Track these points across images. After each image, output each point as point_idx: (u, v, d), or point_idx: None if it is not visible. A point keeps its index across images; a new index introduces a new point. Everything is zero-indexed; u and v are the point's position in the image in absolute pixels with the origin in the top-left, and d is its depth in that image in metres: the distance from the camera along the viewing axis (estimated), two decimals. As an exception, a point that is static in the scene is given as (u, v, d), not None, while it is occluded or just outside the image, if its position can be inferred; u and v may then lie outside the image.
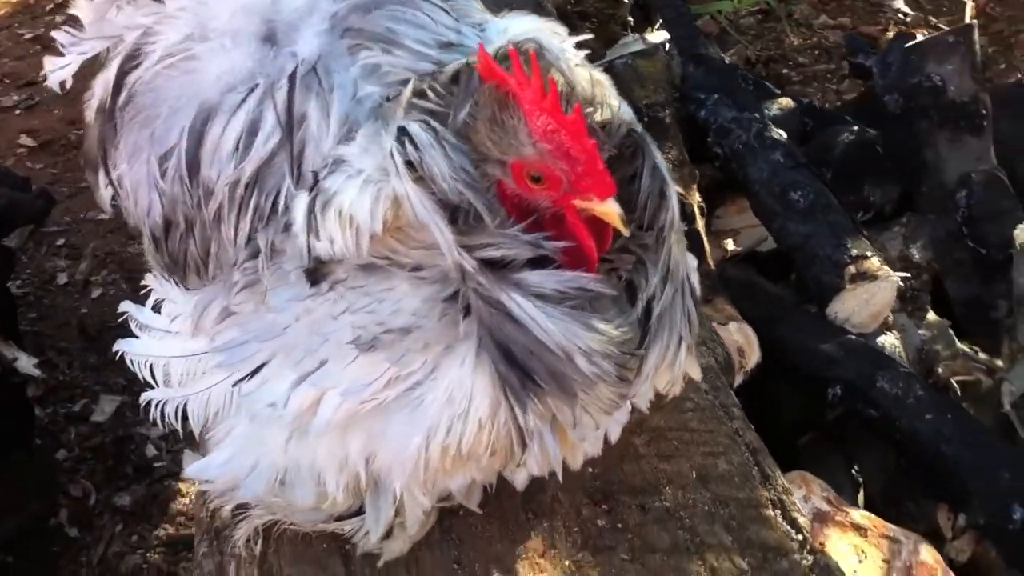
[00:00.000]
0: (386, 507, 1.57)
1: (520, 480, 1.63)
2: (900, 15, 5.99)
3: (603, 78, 1.39)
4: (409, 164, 1.22)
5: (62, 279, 4.09)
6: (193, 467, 1.61)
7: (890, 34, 5.74)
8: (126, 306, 1.68)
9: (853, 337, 2.88)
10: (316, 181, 1.30)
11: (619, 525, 1.76)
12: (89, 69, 1.58)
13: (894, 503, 2.80)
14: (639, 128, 1.40)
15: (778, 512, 1.82)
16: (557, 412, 1.31)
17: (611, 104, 1.37)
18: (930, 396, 2.74)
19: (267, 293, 1.37)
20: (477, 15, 1.51)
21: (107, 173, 1.54)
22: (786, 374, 2.87)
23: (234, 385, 1.46)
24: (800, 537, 1.79)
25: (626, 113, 1.40)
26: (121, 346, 1.65)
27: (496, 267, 1.23)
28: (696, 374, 1.52)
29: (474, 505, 1.71)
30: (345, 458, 1.45)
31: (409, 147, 1.23)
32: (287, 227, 1.32)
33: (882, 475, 2.88)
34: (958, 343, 3.21)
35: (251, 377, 1.42)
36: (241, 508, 1.66)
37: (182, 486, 3.36)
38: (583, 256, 1.27)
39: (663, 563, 1.70)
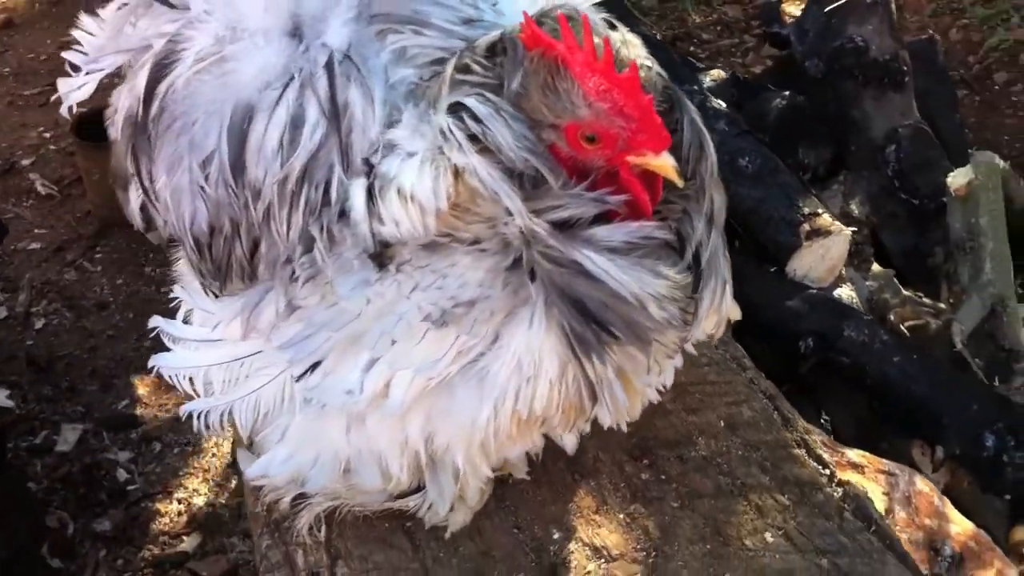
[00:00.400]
0: (448, 482, 1.61)
1: (570, 444, 1.70)
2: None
3: (633, 38, 1.43)
4: (471, 137, 1.26)
5: (1, 313, 4.01)
6: (254, 468, 1.63)
7: (787, 6, 5.94)
8: (156, 321, 1.69)
9: (815, 291, 3.00)
10: (370, 167, 1.33)
11: (662, 476, 1.83)
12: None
13: (869, 446, 2.93)
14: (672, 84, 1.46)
15: (803, 451, 1.91)
16: (630, 361, 1.37)
17: (645, 63, 1.42)
18: (894, 340, 2.88)
19: (332, 283, 1.39)
20: None
21: (141, 186, 1.50)
22: (758, 332, 2.98)
23: (297, 380, 1.48)
24: (828, 472, 1.88)
25: (659, 71, 1.46)
26: (157, 361, 1.67)
27: (564, 227, 1.28)
28: (737, 314, 1.58)
29: (522, 473, 1.76)
30: (405, 439, 1.50)
31: (469, 121, 1.27)
32: (342, 216, 1.35)
33: (853, 421, 3.01)
34: (904, 291, 3.36)
35: (312, 371, 1.45)
36: (300, 498, 1.68)
37: (161, 506, 3.33)
38: (638, 209, 1.33)
39: (711, 506, 1.77)
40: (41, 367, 3.77)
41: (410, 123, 1.33)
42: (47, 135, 4.94)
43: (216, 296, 1.56)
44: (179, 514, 3.34)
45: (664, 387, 1.62)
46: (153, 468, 3.45)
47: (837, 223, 3.07)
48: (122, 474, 3.42)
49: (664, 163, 1.26)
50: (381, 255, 1.34)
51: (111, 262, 4.23)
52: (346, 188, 1.34)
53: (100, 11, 1.56)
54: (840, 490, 1.85)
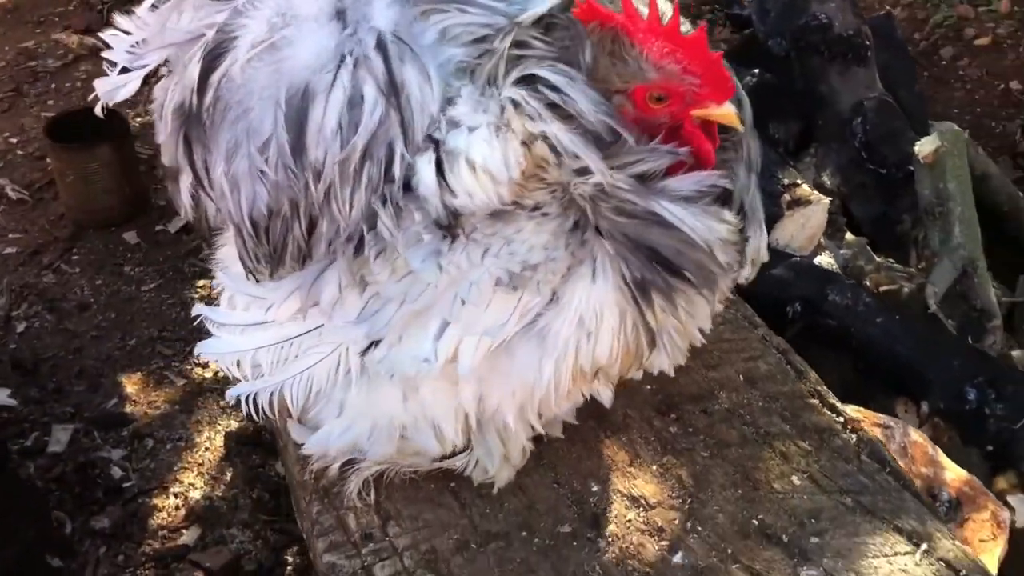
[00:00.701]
0: (495, 442, 1.69)
1: (607, 398, 1.76)
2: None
3: (667, 5, 1.51)
4: (550, 105, 1.34)
5: (-19, 317, 4.00)
6: (313, 441, 1.68)
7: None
8: (199, 308, 1.73)
9: (798, 259, 3.10)
10: (435, 143, 1.39)
11: (690, 429, 1.91)
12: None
13: (857, 405, 3.04)
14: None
15: (817, 400, 2.01)
16: (689, 306, 1.45)
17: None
18: (876, 302, 2.99)
19: (402, 256, 1.43)
20: None
21: (195, 176, 1.51)
22: (746, 301, 3.06)
23: (362, 354, 1.53)
24: (841, 419, 1.98)
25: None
26: (202, 348, 1.71)
27: (640, 181, 1.36)
28: (766, 255, 1.66)
29: (559, 431, 1.83)
30: (459, 403, 1.58)
31: (545, 90, 1.34)
32: (407, 190, 1.40)
33: (840, 382, 3.10)
34: (876, 257, 3.48)
35: (375, 345, 1.51)
36: (348, 464, 1.74)
37: (158, 501, 3.35)
38: (702, 158, 1.41)
39: (740, 454, 1.86)
40: (27, 369, 3.76)
41: (470, 98, 1.39)
42: (13, 140, 4.91)
43: (257, 281, 1.59)
44: (177, 508, 3.35)
45: (705, 332, 1.68)
46: (147, 464, 3.46)
47: (816, 192, 3.17)
48: (117, 472, 3.42)
49: (728, 111, 1.37)
50: (451, 226, 1.40)
51: (89, 263, 4.22)
52: (410, 164, 1.39)
53: (136, 9, 1.57)
54: (854, 436, 1.94)
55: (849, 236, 3.52)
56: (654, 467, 1.84)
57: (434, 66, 1.41)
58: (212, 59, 1.42)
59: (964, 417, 2.85)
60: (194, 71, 1.43)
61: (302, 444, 1.74)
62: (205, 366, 3.79)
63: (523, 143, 1.36)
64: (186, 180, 1.53)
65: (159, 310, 4.03)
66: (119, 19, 1.59)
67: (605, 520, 1.75)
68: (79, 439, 3.52)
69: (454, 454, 1.72)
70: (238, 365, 1.67)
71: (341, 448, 1.67)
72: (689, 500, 1.78)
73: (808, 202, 3.11)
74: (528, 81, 1.36)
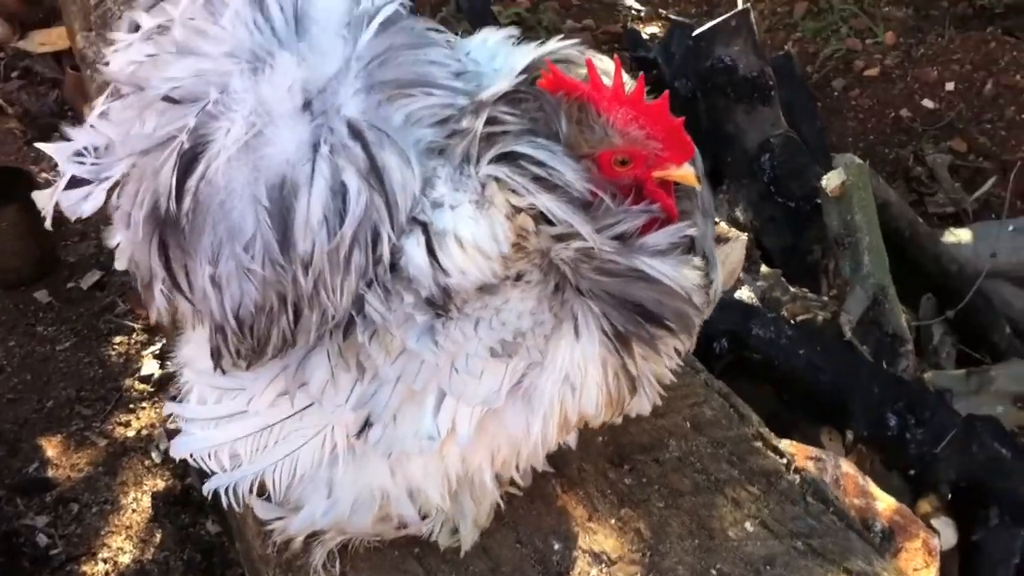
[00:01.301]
0: (468, 503, 1.71)
1: (573, 440, 1.79)
2: (634, 11, 6.47)
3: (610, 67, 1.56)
4: (536, 179, 1.39)
5: None
6: (299, 522, 1.68)
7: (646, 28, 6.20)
8: (170, 407, 1.71)
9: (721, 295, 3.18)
10: (421, 224, 1.42)
11: (643, 480, 1.95)
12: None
13: (782, 436, 3.12)
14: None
15: (761, 443, 2.07)
16: (675, 348, 1.55)
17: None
18: (798, 334, 3.09)
19: (396, 338, 1.45)
20: (446, 39, 1.62)
21: (172, 280, 1.49)
22: (672, 339, 3.14)
23: (357, 436, 1.54)
24: (784, 460, 2.04)
25: None
26: (179, 449, 1.67)
27: (621, 240, 1.43)
28: (721, 292, 1.72)
29: (528, 482, 1.86)
30: (445, 469, 1.59)
31: (529, 165, 1.39)
32: (392, 271, 1.43)
33: (765, 413, 3.18)
34: (791, 288, 3.59)
35: (369, 425, 1.52)
36: (312, 535, 1.74)
37: (87, 568, 3.29)
38: (665, 213, 1.48)
39: (694, 503, 1.91)
40: (-61, 439, 3.67)
41: (449, 178, 1.43)
42: (-85, 201, 4.78)
43: (224, 372, 1.57)
44: (106, 574, 3.30)
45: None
46: (74, 530, 3.40)
47: (734, 229, 3.26)
48: (42, 539, 3.36)
49: (687, 172, 1.44)
50: (444, 304, 1.43)
51: (-1, 324, 4.14)
52: (396, 246, 1.41)
53: (90, 119, 1.53)
54: (798, 476, 2.01)
55: (764, 268, 3.63)
56: (612, 520, 1.88)
57: (409, 148, 1.44)
58: (187, 163, 1.40)
59: (886, 443, 2.97)
60: (168, 177, 1.40)
61: (268, 522, 1.73)
62: (127, 425, 3.74)
63: (506, 217, 1.40)
64: (158, 284, 1.51)
65: (76, 369, 3.96)
66: (68, 129, 1.55)
67: (569, 578, 1.78)
68: (1, 507, 3.45)
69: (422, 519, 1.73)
70: (213, 457, 1.65)
71: (327, 526, 1.67)
72: (648, 553, 1.82)
73: (727, 239, 3.19)
74: (509, 158, 1.40)
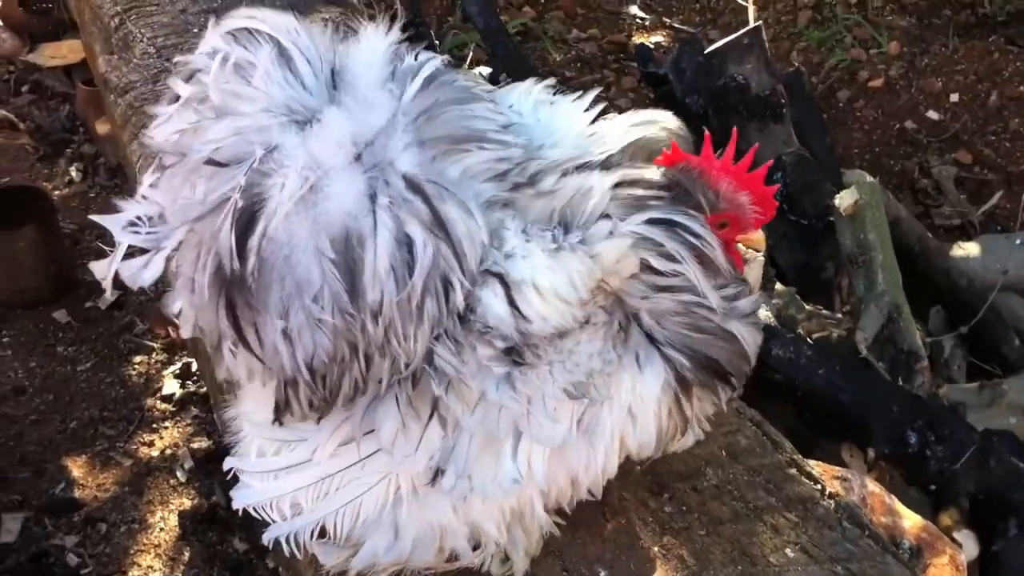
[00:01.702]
0: (519, 534, 1.76)
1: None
2: (638, 20, 6.52)
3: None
4: (690, 247, 1.51)
5: (-88, 407, 3.92)
6: (361, 559, 1.70)
7: (635, 39, 6.26)
8: (230, 462, 1.73)
9: (740, 316, 3.24)
10: (497, 276, 1.47)
11: (683, 508, 2.00)
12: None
13: (804, 455, 3.18)
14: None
15: (794, 469, 2.12)
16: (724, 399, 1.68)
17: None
18: (817, 353, 3.14)
19: (473, 389, 1.51)
20: (487, 92, 1.68)
21: (241, 339, 1.49)
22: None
23: (432, 483, 1.58)
24: (819, 487, 2.09)
25: None
26: (241, 500, 1.69)
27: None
28: None
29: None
30: (501, 504, 1.65)
31: (685, 235, 1.50)
32: (462, 324, 1.48)
33: (787, 432, 3.24)
34: (806, 306, 3.64)
35: (442, 473, 1.57)
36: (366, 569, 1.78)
37: (118, 588, 3.34)
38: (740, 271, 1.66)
39: (734, 530, 1.96)
40: (-35, 463, 3.71)
41: (520, 231, 1.51)
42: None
43: (281, 424, 1.61)
44: (136, 593, 3.35)
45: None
46: (103, 549, 3.44)
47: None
48: (72, 559, 3.40)
49: (761, 235, 1.63)
50: (521, 351, 1.49)
51: (20, 345, 4.17)
52: (471, 295, 1.46)
53: (140, 190, 1.56)
54: (832, 502, 2.06)
55: (779, 286, 3.68)
56: (655, 548, 1.92)
57: (470, 200, 1.48)
58: (246, 223, 1.41)
59: (907, 460, 3.02)
60: (227, 238, 1.42)
61: (326, 563, 1.77)
62: (151, 445, 3.78)
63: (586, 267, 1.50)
64: (227, 344, 1.53)
65: (98, 389, 4.00)
66: (120, 202, 1.58)
67: (617, 605, 1.83)
68: (30, 528, 3.49)
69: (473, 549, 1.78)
70: (272, 508, 1.68)
71: (389, 563, 1.71)
72: (692, 580, 1.87)
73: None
74: (664, 224, 1.50)
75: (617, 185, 1.52)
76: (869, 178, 3.97)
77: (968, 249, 4.30)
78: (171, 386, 3.98)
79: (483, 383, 1.49)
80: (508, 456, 1.56)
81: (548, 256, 1.48)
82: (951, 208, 4.96)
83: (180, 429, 3.83)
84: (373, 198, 1.43)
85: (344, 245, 1.42)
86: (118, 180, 4.96)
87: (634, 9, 6.61)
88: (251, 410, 1.68)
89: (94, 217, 1.62)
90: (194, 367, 4.03)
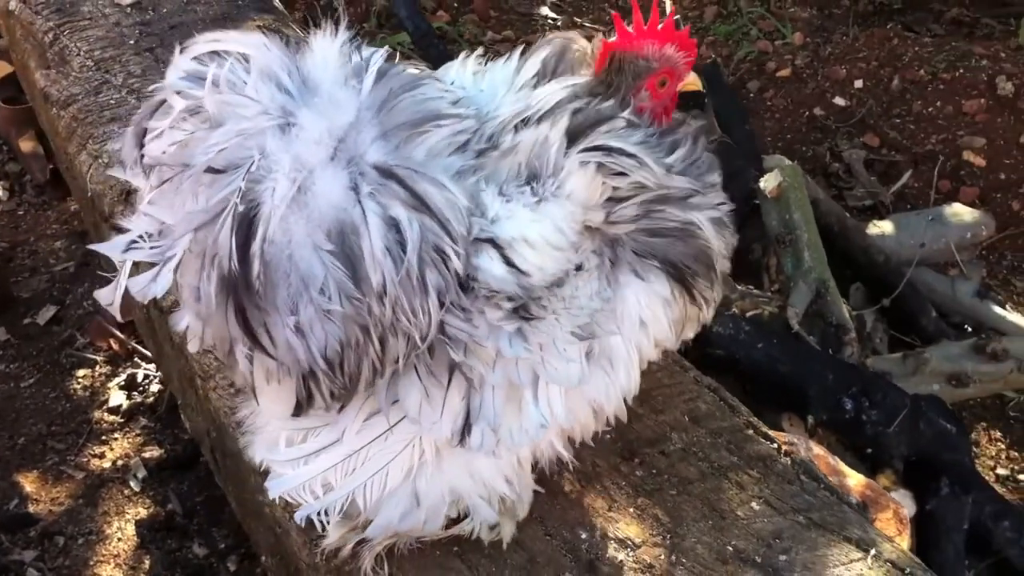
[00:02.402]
0: (526, 489, 1.90)
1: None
2: (550, 20, 6.66)
3: None
4: (629, 156, 1.64)
5: None
6: (376, 528, 1.80)
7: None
8: (260, 455, 1.83)
9: (679, 297, 3.37)
10: (488, 241, 1.57)
11: (654, 471, 2.12)
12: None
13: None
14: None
15: (752, 431, 2.25)
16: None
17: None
18: (755, 329, 3.29)
19: (488, 347, 1.62)
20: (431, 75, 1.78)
21: (253, 340, 1.55)
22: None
23: (460, 443, 1.69)
24: (775, 445, 2.23)
25: None
26: (276, 490, 1.79)
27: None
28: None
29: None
30: (512, 459, 1.79)
31: (630, 146, 1.65)
32: (468, 287, 1.58)
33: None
34: (738, 286, 3.80)
35: (468, 431, 1.67)
36: (360, 541, 1.87)
37: (80, 600, 3.35)
38: None
39: (703, 488, 2.08)
40: (-81, 482, 3.68)
41: (496, 193, 1.62)
42: None
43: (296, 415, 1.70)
44: (99, 604, 3.36)
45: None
46: (62, 562, 3.45)
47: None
48: (33, 573, 3.40)
49: (695, 78, 1.80)
50: (523, 306, 1.60)
51: (-40, 365, 4.15)
52: (468, 260, 1.56)
53: (141, 208, 1.60)
54: (788, 459, 2.19)
55: (711, 269, 3.82)
56: (631, 509, 2.04)
57: (440, 174, 1.57)
58: (246, 228, 1.47)
59: (844, 425, 3.19)
60: (227, 243, 1.47)
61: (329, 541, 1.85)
62: (101, 456, 3.80)
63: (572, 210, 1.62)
64: (240, 348, 1.59)
65: (43, 405, 3.99)
66: (122, 222, 1.63)
67: (600, 563, 1.94)
68: (-13, 545, 3.48)
69: (459, 520, 1.87)
70: (305, 490, 1.77)
71: (404, 532, 1.81)
72: (669, 536, 1.99)
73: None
74: (601, 149, 1.64)
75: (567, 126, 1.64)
76: (788, 162, 4.15)
77: (883, 227, 4.50)
78: (117, 398, 3.99)
79: (497, 342, 1.60)
80: (531, 403, 1.68)
81: (531, 210, 1.60)
82: (863, 190, 5.16)
83: (130, 440, 3.84)
84: (356, 189, 1.51)
85: (340, 236, 1.50)
86: (45, 196, 4.93)
87: (545, 10, 6.74)
88: (271, 406, 1.75)
89: (93, 247, 1.67)
90: (139, 377, 4.05)
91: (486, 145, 1.66)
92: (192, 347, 1.67)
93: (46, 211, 4.89)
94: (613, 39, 1.73)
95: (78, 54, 3.39)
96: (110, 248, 1.61)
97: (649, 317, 1.74)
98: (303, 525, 1.81)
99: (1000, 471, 4.05)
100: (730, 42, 6.30)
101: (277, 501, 1.90)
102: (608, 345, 1.73)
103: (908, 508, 3.01)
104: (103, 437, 3.87)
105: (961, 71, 5.57)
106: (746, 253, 4.00)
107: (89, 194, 2.96)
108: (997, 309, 4.42)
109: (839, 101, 5.75)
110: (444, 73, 1.83)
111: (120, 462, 3.78)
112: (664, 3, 4.51)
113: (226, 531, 3.48)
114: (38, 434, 3.87)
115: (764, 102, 5.84)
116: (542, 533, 1.99)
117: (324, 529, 1.81)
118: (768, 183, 3.83)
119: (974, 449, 4.02)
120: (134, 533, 3.53)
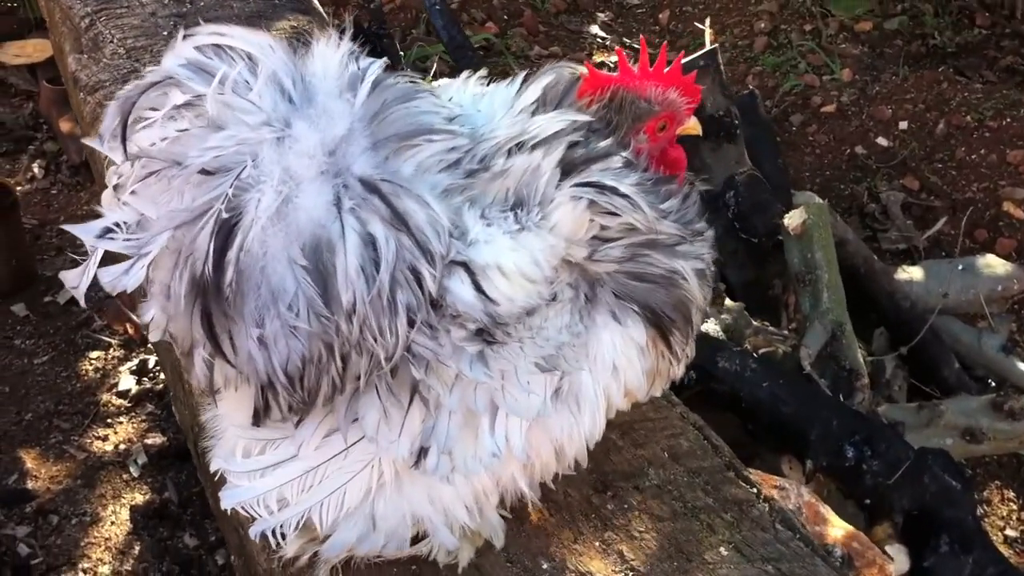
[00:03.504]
0: (495, 516, 1.87)
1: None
2: (599, 39, 6.64)
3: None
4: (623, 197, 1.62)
5: None
6: (332, 547, 1.77)
7: (595, 58, 6.37)
8: (217, 464, 1.78)
9: (689, 329, 3.33)
10: (461, 264, 1.54)
11: (625, 506, 2.09)
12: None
13: (745, 463, 3.28)
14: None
15: (732, 473, 2.21)
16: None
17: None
18: (762, 367, 3.24)
19: (452, 367, 1.59)
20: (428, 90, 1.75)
21: (216, 346, 1.53)
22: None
23: (415, 465, 1.65)
24: (755, 490, 2.18)
25: None
26: (231, 500, 1.75)
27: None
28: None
29: (538, 496, 1.98)
30: (474, 488, 1.75)
31: (613, 195, 1.61)
32: (435, 309, 1.55)
33: (729, 441, 3.33)
34: (754, 321, 3.75)
35: (424, 454, 1.64)
36: (317, 553, 1.85)
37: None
38: (680, 168, 1.81)
39: (673, 528, 2.04)
40: (-82, 457, 3.73)
41: (479, 216, 1.58)
42: None
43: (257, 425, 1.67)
44: (86, 585, 3.38)
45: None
46: (54, 541, 3.47)
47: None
48: (23, 549, 3.43)
49: (695, 122, 1.76)
50: (491, 332, 1.57)
51: (-24, 339, 4.20)
52: (439, 283, 1.53)
53: (123, 197, 1.56)
54: (767, 505, 2.15)
55: (729, 302, 3.79)
56: (596, 543, 2.01)
57: (426, 192, 1.55)
58: (225, 235, 1.45)
59: (844, 473, 3.13)
60: (206, 248, 1.45)
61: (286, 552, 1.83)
62: (105, 439, 3.82)
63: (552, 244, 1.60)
64: (200, 352, 1.58)
65: (54, 383, 4.03)
66: (100, 208, 1.60)
67: (557, 596, 1.91)
68: (-19, 520, 3.52)
69: (417, 540, 1.85)
70: (259, 504, 1.74)
71: (364, 553, 1.79)
72: (631, 574, 1.95)
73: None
74: (594, 185, 1.61)
75: (561, 158, 1.61)
76: (818, 199, 4.10)
77: (912, 272, 4.43)
78: (127, 382, 4.02)
79: (459, 363, 1.57)
80: (487, 431, 1.65)
81: (510, 238, 1.57)
82: (897, 233, 5.10)
83: (134, 425, 3.87)
84: (339, 204, 1.49)
85: (315, 252, 1.48)
86: (80, 178, 5.00)
87: (595, 29, 6.73)
88: (230, 413, 1.74)
89: (67, 227, 1.63)
90: (151, 363, 4.07)
91: (477, 166, 1.62)
92: (153, 337, 1.64)
93: (79, 192, 4.95)
94: (601, 70, 1.71)
95: (111, 41, 3.41)
96: (84, 231, 1.58)
97: (623, 363, 1.71)
98: (258, 541, 1.79)
99: (1009, 532, 3.97)
100: (777, 74, 6.25)
101: (229, 513, 1.87)
102: (577, 385, 1.69)
103: (901, 563, 2.95)
104: (108, 420, 3.90)
105: (1009, 120, 5.49)
106: (766, 289, 3.97)
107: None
108: (1022, 365, 4.33)
109: (882, 141, 5.69)
110: (444, 90, 1.81)
111: (122, 446, 3.80)
112: (704, 29, 4.48)
113: (217, 525, 3.48)
114: (45, 411, 3.90)
115: (806, 136, 5.78)
116: (503, 559, 1.96)
117: (278, 546, 1.78)
118: (792, 220, 3.79)
119: (984, 508, 3.95)
120: (128, 518, 3.55)
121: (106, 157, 1.62)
